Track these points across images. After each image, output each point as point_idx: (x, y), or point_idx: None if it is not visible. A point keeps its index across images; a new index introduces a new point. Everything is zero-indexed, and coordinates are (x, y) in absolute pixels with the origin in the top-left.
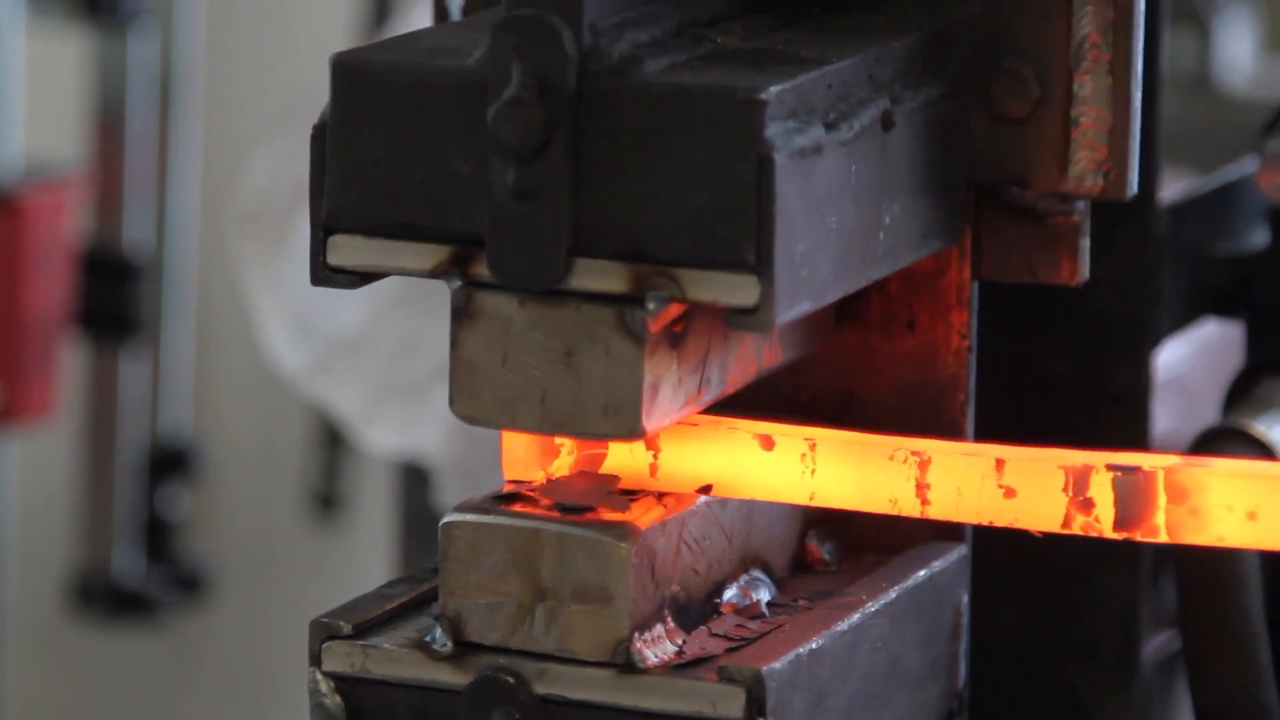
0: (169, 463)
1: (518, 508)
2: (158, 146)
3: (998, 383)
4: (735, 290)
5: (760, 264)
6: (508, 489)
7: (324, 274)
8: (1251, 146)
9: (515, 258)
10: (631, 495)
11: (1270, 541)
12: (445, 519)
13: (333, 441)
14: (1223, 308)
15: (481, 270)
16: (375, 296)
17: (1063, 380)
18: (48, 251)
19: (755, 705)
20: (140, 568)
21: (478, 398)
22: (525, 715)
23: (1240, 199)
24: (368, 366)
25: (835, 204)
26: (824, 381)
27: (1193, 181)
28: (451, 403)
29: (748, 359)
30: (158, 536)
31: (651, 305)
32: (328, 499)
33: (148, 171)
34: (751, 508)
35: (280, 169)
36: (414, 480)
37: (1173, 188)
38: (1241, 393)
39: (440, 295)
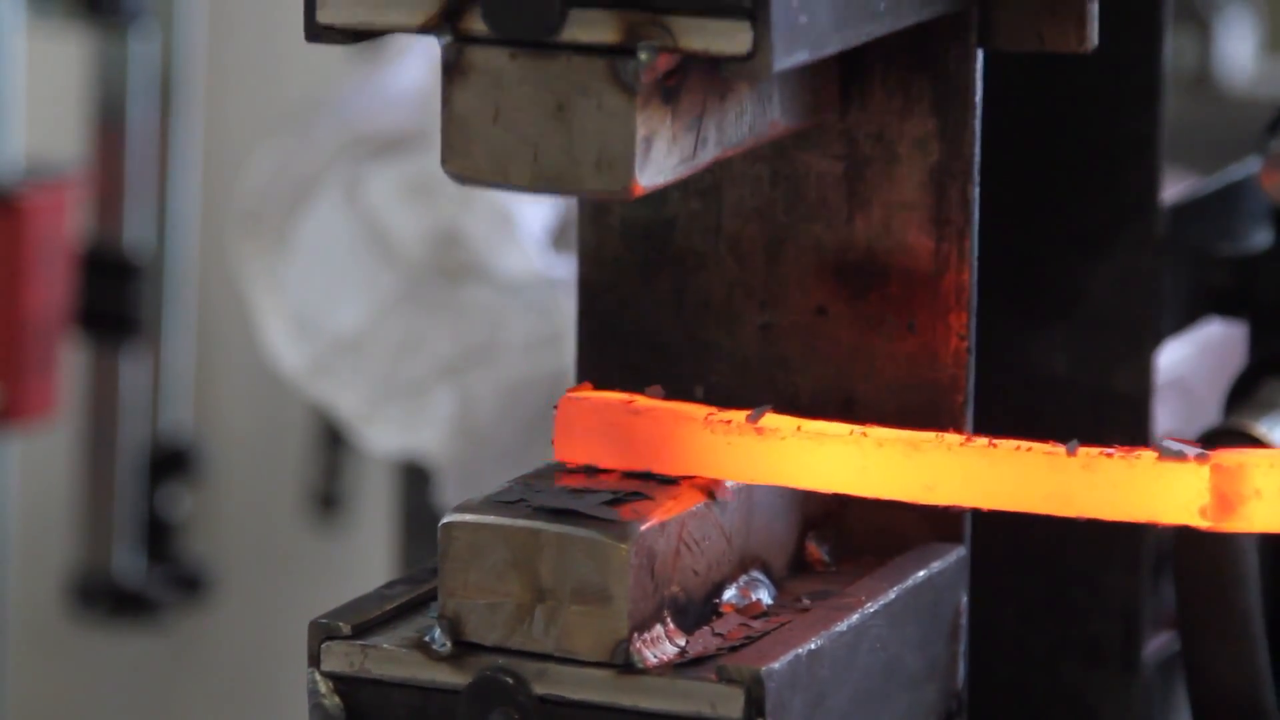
0: (169, 463)
1: (517, 508)
2: (158, 146)
3: (998, 383)
4: (729, 37)
5: (756, 8)
6: (508, 488)
7: (315, 31)
8: (1253, 146)
9: (510, 7)
10: (631, 497)
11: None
12: (445, 519)
13: (333, 441)
14: (1225, 308)
15: (472, 25)
16: (375, 296)
17: (1063, 380)
18: (48, 251)
19: (754, 705)
20: (140, 568)
21: (469, 155)
22: (524, 715)
23: (1242, 199)
24: (368, 366)
25: None
26: (823, 382)
27: (1195, 182)
28: (443, 161)
29: (745, 120)
30: (158, 536)
31: (643, 55)
32: (328, 499)
33: (148, 171)
34: (751, 509)
35: (280, 169)
36: (414, 480)
37: (1174, 188)
38: (1243, 394)
39: (440, 294)
